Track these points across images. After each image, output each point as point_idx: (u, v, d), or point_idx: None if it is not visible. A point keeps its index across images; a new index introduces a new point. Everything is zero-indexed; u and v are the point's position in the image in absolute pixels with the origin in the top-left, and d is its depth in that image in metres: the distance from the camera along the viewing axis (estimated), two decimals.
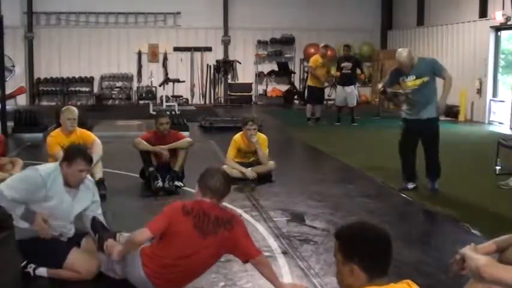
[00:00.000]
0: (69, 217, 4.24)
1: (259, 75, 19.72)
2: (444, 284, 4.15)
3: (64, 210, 4.18)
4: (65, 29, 18.79)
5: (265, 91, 19.79)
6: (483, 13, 14.58)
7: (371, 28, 19.73)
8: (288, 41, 19.62)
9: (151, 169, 7.01)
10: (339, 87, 14.07)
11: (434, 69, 6.94)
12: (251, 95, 19.35)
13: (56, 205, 4.12)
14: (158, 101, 17.96)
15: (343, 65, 13.79)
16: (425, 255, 4.82)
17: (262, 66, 19.81)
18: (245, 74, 19.47)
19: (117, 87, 19.23)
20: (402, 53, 6.85)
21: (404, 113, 7.08)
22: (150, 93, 18.41)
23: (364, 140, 11.55)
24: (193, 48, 19.34)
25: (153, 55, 19.20)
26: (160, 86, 17.30)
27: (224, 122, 13.21)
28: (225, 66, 19.10)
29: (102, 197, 6.14)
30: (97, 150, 6.51)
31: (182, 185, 7.01)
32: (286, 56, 19.72)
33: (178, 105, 16.18)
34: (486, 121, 14.45)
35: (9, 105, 14.80)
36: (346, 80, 13.73)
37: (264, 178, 7.56)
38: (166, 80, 17.11)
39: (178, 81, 17.30)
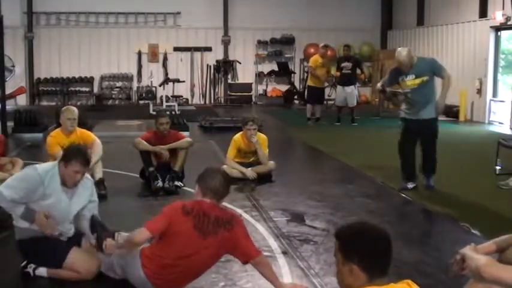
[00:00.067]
0: (68, 216, 4.24)
1: (259, 75, 19.73)
2: (444, 284, 4.14)
3: (62, 209, 4.18)
4: (65, 29, 18.80)
5: (265, 91, 19.79)
6: (483, 13, 14.58)
7: (371, 28, 19.74)
8: (288, 41, 19.62)
9: (151, 169, 7.01)
10: (339, 87, 14.07)
11: (433, 69, 6.97)
12: (251, 95, 19.36)
13: (54, 203, 4.12)
14: (158, 101, 17.96)
15: (343, 65, 13.79)
16: (425, 255, 4.82)
17: (262, 66, 19.81)
18: (245, 74, 19.47)
19: (117, 87, 19.23)
20: (402, 52, 6.87)
21: (403, 113, 7.09)
22: (150, 93, 18.41)
23: (364, 140, 11.55)
24: (193, 48, 19.34)
25: (153, 55, 19.21)
26: (160, 86, 17.31)
27: (224, 122, 13.21)
28: (225, 66, 19.11)
29: (102, 197, 6.17)
30: (97, 150, 6.51)
31: (182, 185, 7.00)
32: (286, 56, 19.73)
33: (178, 105, 16.18)
34: (486, 121, 14.45)
35: (9, 105, 14.80)
36: (346, 80, 13.73)
37: (264, 178, 7.56)
38: (166, 80, 17.12)
39: (178, 81, 17.30)
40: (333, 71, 14.44)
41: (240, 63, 19.18)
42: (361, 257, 2.16)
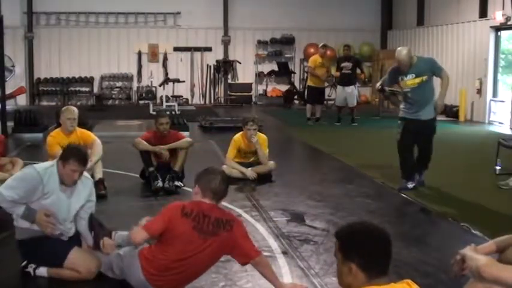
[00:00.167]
0: (68, 215, 4.23)
1: (259, 75, 19.72)
2: (444, 284, 4.14)
3: (62, 208, 4.18)
4: (65, 29, 18.80)
5: (265, 91, 19.78)
6: (483, 13, 14.58)
7: (371, 28, 19.73)
8: (288, 41, 19.62)
9: (151, 169, 7.01)
10: (339, 87, 14.07)
11: (433, 68, 7.03)
12: (251, 95, 19.35)
13: (54, 202, 4.13)
14: (158, 101, 17.97)
15: (343, 65, 13.79)
16: (425, 255, 4.82)
17: (262, 66, 19.81)
18: (245, 74, 19.47)
19: (117, 87, 19.23)
20: (402, 51, 6.91)
21: (403, 112, 7.12)
22: (150, 93, 18.41)
23: (364, 140, 11.55)
24: (193, 48, 19.34)
25: (153, 55, 19.21)
26: (160, 86, 17.31)
27: (224, 122, 13.22)
28: (225, 66, 19.11)
29: (102, 197, 6.18)
30: (97, 150, 6.51)
31: (182, 185, 7.00)
32: (286, 56, 19.73)
33: (178, 105, 16.18)
34: (486, 121, 14.45)
35: (9, 105, 14.81)
36: (346, 80, 13.72)
37: (264, 178, 7.56)
38: (166, 80, 17.12)
39: (178, 81, 17.31)
40: (333, 71, 14.44)
41: (240, 63, 19.19)
42: (360, 257, 2.16)
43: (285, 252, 4.82)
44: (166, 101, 16.41)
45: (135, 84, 19.23)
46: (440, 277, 4.25)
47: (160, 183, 6.82)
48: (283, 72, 19.00)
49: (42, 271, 4.24)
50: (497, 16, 13.69)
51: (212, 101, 19.57)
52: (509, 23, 13.53)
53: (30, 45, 18.51)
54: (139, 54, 19.06)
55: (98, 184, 6.23)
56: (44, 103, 18.60)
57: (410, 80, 6.90)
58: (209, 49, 19.40)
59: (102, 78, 19.06)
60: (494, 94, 14.52)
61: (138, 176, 7.40)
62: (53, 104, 18.08)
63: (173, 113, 14.69)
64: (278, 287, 3.83)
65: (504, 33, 14.45)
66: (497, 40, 14.41)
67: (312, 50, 17.70)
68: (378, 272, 2.16)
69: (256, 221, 5.70)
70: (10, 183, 4.14)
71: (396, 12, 19.72)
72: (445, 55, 15.95)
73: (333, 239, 2.32)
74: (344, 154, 9.55)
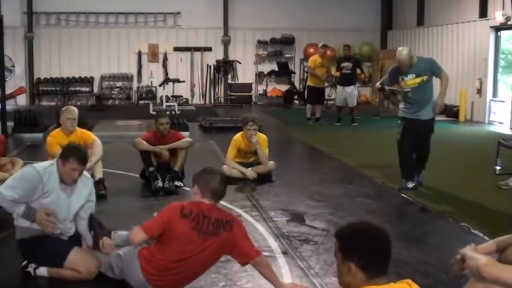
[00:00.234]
0: (68, 214, 4.23)
1: (259, 75, 19.72)
2: (444, 284, 4.15)
3: (62, 207, 4.18)
4: (65, 29, 18.80)
5: (265, 91, 19.78)
6: (483, 13, 14.58)
7: (371, 28, 19.73)
8: (288, 41, 19.62)
9: (151, 169, 7.01)
10: (339, 87, 14.07)
11: (433, 69, 7.08)
12: (251, 95, 19.35)
13: (54, 201, 4.13)
14: (158, 101, 17.97)
15: (343, 65, 13.78)
16: (425, 255, 4.82)
17: (262, 66, 19.81)
18: (245, 74, 19.47)
19: (117, 87, 19.23)
20: (403, 51, 6.95)
21: (402, 112, 7.16)
22: (150, 93, 18.41)
23: (364, 140, 11.55)
24: (193, 48, 19.34)
25: (153, 55, 19.21)
26: (160, 86, 17.31)
27: (224, 122, 13.22)
28: (225, 66, 19.11)
29: (102, 197, 6.18)
30: (97, 150, 6.51)
31: (182, 185, 7.00)
32: (286, 56, 19.72)
33: (178, 105, 16.18)
34: (486, 121, 14.45)
35: (9, 105, 14.80)
36: (346, 80, 13.72)
37: (264, 178, 7.56)
38: (166, 80, 17.12)
39: (178, 81, 17.30)
40: (333, 71, 14.44)
41: (240, 63, 19.18)
42: (360, 257, 2.17)
43: (285, 252, 4.82)
44: (166, 101, 16.41)
45: (135, 84, 19.23)
46: (440, 277, 4.25)
47: (160, 183, 6.83)
48: (283, 72, 19.00)
49: (43, 271, 4.24)
50: (497, 16, 13.69)
51: (212, 101, 19.56)
52: (509, 23, 13.53)
53: (30, 45, 18.51)
54: (139, 54, 19.06)
55: (98, 184, 6.23)
56: (44, 103, 18.60)
57: (410, 80, 6.93)
58: (209, 49, 19.40)
59: (102, 78, 19.06)
60: (494, 94, 14.52)
61: (138, 176, 7.40)
62: (53, 104, 18.08)
63: (173, 113, 14.69)
64: (278, 287, 3.83)
65: (504, 33, 14.45)
66: (497, 40, 14.41)
67: (312, 50, 17.69)
68: (377, 272, 2.17)
69: (256, 221, 5.70)
70: (10, 183, 4.14)
71: (396, 12, 19.72)
72: (445, 55, 15.95)
73: (333, 239, 2.32)
74: (344, 154, 9.55)
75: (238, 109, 17.25)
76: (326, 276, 4.28)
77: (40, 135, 10.97)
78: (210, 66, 19.37)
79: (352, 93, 13.78)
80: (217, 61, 19.21)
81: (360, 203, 6.57)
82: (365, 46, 19.45)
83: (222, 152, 8.74)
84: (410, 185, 7.10)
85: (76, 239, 4.33)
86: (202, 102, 19.47)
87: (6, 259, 4.55)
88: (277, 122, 14.38)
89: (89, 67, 18.87)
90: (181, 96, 18.17)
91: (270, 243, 5.04)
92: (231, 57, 19.33)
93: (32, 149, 10.08)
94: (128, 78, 19.15)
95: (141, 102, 18.46)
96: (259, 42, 19.61)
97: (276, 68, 19.18)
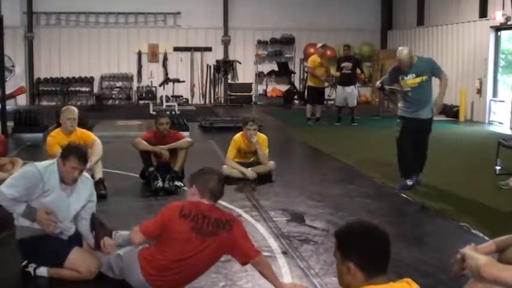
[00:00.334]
0: (67, 214, 4.23)
1: (259, 75, 19.72)
2: (444, 284, 4.15)
3: (62, 207, 4.18)
4: (65, 29, 18.80)
5: (265, 91, 19.78)
6: (483, 13, 14.58)
7: (371, 28, 19.73)
8: (288, 41, 19.62)
9: (151, 169, 7.01)
10: (339, 88, 14.06)
11: (433, 68, 7.15)
12: (251, 95, 19.35)
13: (54, 200, 4.13)
14: (158, 101, 17.97)
15: (343, 65, 13.78)
16: (425, 255, 4.82)
17: (262, 66, 19.81)
18: (245, 74, 19.47)
19: (117, 87, 19.23)
20: (403, 51, 6.99)
21: (401, 111, 7.21)
22: (150, 93, 18.41)
23: (364, 140, 11.54)
24: (193, 48, 19.34)
25: (153, 55, 19.21)
26: (160, 86, 17.31)
27: (224, 122, 13.22)
28: (225, 66, 19.11)
29: (102, 197, 6.18)
30: (97, 150, 6.52)
31: (182, 185, 7.00)
32: (286, 56, 19.72)
33: (178, 105, 16.18)
34: (486, 121, 14.45)
35: (9, 105, 14.80)
36: (346, 80, 13.72)
37: (264, 178, 7.56)
38: (166, 80, 17.12)
39: (178, 81, 17.30)
40: (333, 71, 14.43)
41: (240, 63, 19.18)
42: (359, 256, 2.17)
43: (285, 252, 4.82)
44: (166, 101, 16.41)
45: (135, 84, 19.23)
46: (440, 277, 4.25)
47: (160, 183, 6.83)
48: (283, 72, 19.00)
49: (43, 271, 4.24)
50: (497, 16, 13.69)
51: (212, 101, 19.56)
52: (509, 23, 13.53)
53: (30, 45, 18.50)
54: (139, 54, 19.06)
55: (98, 184, 6.23)
56: (44, 103, 18.60)
57: (410, 80, 6.98)
58: (209, 49, 19.40)
59: (102, 78, 19.06)
60: (494, 94, 14.52)
61: (138, 176, 7.40)
62: (53, 104, 18.08)
63: (173, 113, 14.69)
64: (278, 287, 3.83)
65: (504, 33, 14.45)
66: (497, 40, 14.41)
67: (311, 50, 17.67)
68: (376, 272, 2.17)
69: (256, 221, 5.70)
70: (11, 182, 4.14)
71: (396, 12, 19.72)
72: (445, 55, 15.95)
73: (332, 239, 2.33)
74: (344, 154, 9.55)
75: (238, 109, 17.25)
76: (326, 276, 4.29)
77: (40, 135, 10.97)
78: (210, 66, 19.37)
79: (352, 93, 13.78)
80: (217, 61, 19.21)
81: (360, 203, 6.57)
82: (365, 46, 19.45)
83: (222, 152, 8.74)
84: (409, 182, 7.15)
85: (76, 239, 4.33)
86: (202, 102, 19.47)
87: (6, 259, 4.55)
88: (277, 122, 14.38)
89: (89, 67, 18.87)
90: (181, 96, 18.17)
91: (270, 243, 5.04)
92: (231, 57, 19.33)
93: (32, 149, 10.07)
94: (128, 78, 19.15)
95: (141, 102, 18.46)
96: (259, 42, 19.60)
97: (276, 68, 19.18)
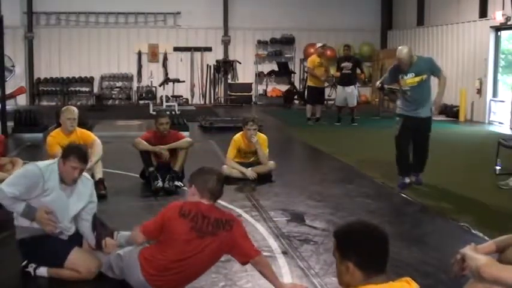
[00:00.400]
0: (67, 214, 4.23)
1: (259, 75, 19.72)
2: (444, 284, 4.15)
3: (61, 207, 4.18)
4: (65, 29, 18.80)
5: (265, 91, 19.78)
6: (483, 13, 14.58)
7: (371, 28, 19.73)
8: (288, 41, 19.62)
9: (151, 169, 7.01)
10: (339, 88, 14.07)
11: (432, 68, 7.21)
12: (251, 95, 19.35)
13: (54, 200, 4.13)
14: (158, 101, 17.97)
15: (343, 65, 13.79)
16: (425, 255, 4.82)
17: (262, 66, 19.81)
18: (245, 74, 19.47)
19: (117, 87, 19.23)
20: (403, 50, 7.03)
21: (400, 109, 7.25)
22: (150, 93, 18.41)
23: (364, 140, 11.55)
24: (193, 48, 19.34)
25: (153, 55, 19.21)
26: (160, 86, 17.31)
27: (224, 122, 13.22)
28: (225, 66, 19.11)
29: (102, 197, 6.18)
30: (97, 150, 6.52)
31: (182, 185, 6.99)
32: (286, 56, 19.73)
33: (178, 105, 16.18)
34: (486, 121, 14.45)
35: (9, 105, 14.80)
36: (347, 80, 13.72)
37: (264, 178, 7.56)
38: (166, 80, 17.12)
39: (178, 81, 17.31)
40: (333, 71, 14.44)
41: (240, 63, 19.19)
42: (357, 255, 2.18)
43: (285, 252, 4.82)
44: (166, 101, 16.41)
45: (135, 84, 19.23)
46: (440, 277, 4.25)
47: (160, 183, 6.82)
48: (283, 72, 19.00)
49: (43, 271, 4.24)
50: (497, 16, 13.69)
51: (212, 101, 19.57)
52: (509, 23, 13.53)
53: (30, 45, 18.51)
54: (139, 54, 19.06)
55: (98, 184, 6.23)
56: (44, 103, 18.60)
57: (410, 79, 7.02)
58: (209, 49, 19.41)
59: (102, 78, 19.06)
60: (494, 94, 14.52)
61: (138, 176, 7.40)
62: (53, 104, 18.09)
63: (173, 113, 14.69)
64: (278, 287, 3.83)
65: (504, 33, 14.45)
66: (497, 40, 14.41)
67: (311, 50, 17.68)
68: (375, 271, 2.18)
69: (256, 221, 5.70)
70: (11, 180, 4.15)
71: (396, 12, 19.72)
72: (445, 55, 15.96)
73: (333, 239, 2.33)
74: (344, 154, 9.55)
75: (238, 109, 17.25)
76: (326, 276, 4.29)
77: (40, 135, 10.97)
78: (210, 66, 19.37)
79: (352, 93, 13.78)
80: (217, 61, 19.21)
81: (360, 203, 6.57)
82: (365, 46, 19.45)
83: (222, 152, 8.74)
84: (407, 180, 7.20)
85: (76, 239, 4.33)
86: (202, 102, 19.47)
87: (6, 259, 4.55)
88: (277, 122, 14.38)
89: (89, 67, 18.87)
90: (181, 96, 18.18)
91: (270, 243, 5.04)
92: (231, 57, 19.33)
93: (32, 149, 10.07)
94: (128, 78, 19.15)
95: (141, 102, 18.47)
96: (259, 42, 19.61)
97: (276, 68, 19.18)
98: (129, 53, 19.11)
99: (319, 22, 19.08)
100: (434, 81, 7.25)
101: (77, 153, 4.16)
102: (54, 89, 18.76)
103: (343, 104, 13.87)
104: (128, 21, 19.09)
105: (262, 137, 7.78)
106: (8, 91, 14.89)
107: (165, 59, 19.16)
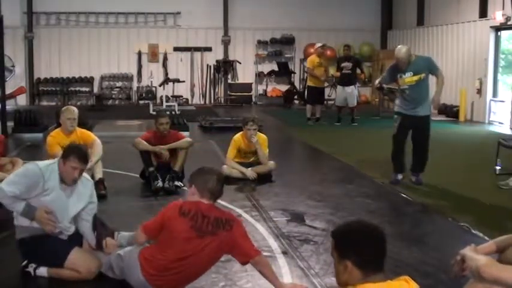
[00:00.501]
0: (66, 214, 4.23)
1: (259, 75, 19.72)
2: (444, 284, 4.15)
3: (61, 207, 4.18)
4: (65, 29, 18.80)
5: (265, 91, 19.78)
6: (483, 13, 14.58)
7: (371, 28, 19.74)
8: (288, 41, 19.62)
9: (151, 169, 7.01)
10: (339, 88, 14.07)
11: (430, 67, 7.28)
12: (251, 95, 19.35)
13: (53, 200, 4.13)
14: (158, 101, 17.97)
15: (343, 65, 13.79)
16: (425, 255, 4.82)
17: (262, 66, 19.81)
18: (245, 74, 19.47)
19: (117, 87, 19.23)
20: (401, 49, 7.09)
21: (399, 108, 7.30)
22: (150, 93, 18.41)
23: (364, 140, 11.54)
24: (193, 48, 19.34)
25: (153, 55, 19.21)
26: (160, 86, 17.31)
27: (224, 122, 13.22)
28: (225, 66, 19.11)
29: (102, 197, 6.18)
30: (97, 150, 6.52)
31: (182, 185, 6.99)
32: (286, 56, 19.73)
33: (178, 105, 16.18)
34: (486, 121, 14.45)
35: (9, 105, 14.80)
36: (346, 80, 13.72)
37: (264, 178, 7.56)
38: (166, 80, 17.12)
39: (178, 81, 17.31)
40: (333, 71, 14.44)
41: (240, 63, 19.19)
42: (355, 255, 2.20)
43: (285, 252, 4.82)
44: (166, 101, 16.41)
45: (135, 84, 19.23)
46: (440, 277, 4.25)
47: (160, 183, 6.83)
48: (283, 72, 19.00)
49: (42, 271, 4.24)
50: (497, 16, 13.69)
51: (212, 101, 19.57)
52: (509, 23, 13.53)
53: (30, 45, 18.51)
54: (139, 54, 19.06)
55: (98, 184, 6.23)
56: (44, 103, 18.60)
57: (408, 78, 7.08)
58: (209, 49, 19.41)
59: (102, 78, 19.06)
60: (494, 94, 14.52)
61: (138, 176, 7.40)
62: (53, 104, 18.08)
63: (173, 113, 14.69)
64: (278, 287, 3.83)
65: (504, 33, 14.45)
66: (497, 40, 14.41)
67: (311, 50, 17.67)
68: (373, 269, 2.20)
69: (256, 221, 5.70)
70: (12, 179, 4.15)
71: (396, 12, 19.72)
72: (445, 55, 15.96)
73: (330, 238, 2.34)
74: (344, 154, 9.55)
75: (238, 109, 17.25)
76: (326, 276, 4.29)
77: (40, 135, 10.97)
78: (210, 66, 19.37)
79: (352, 93, 13.78)
80: (217, 61, 19.21)
81: (360, 203, 6.57)
82: (365, 46, 19.45)
83: (222, 152, 8.74)
84: (399, 176, 7.31)
85: (76, 239, 4.33)
86: (202, 102, 19.47)
87: (6, 259, 4.55)
88: (277, 122, 14.38)
89: (89, 67, 18.87)
90: (181, 96, 18.17)
91: (270, 243, 5.04)
92: (231, 57, 19.33)
93: (32, 149, 10.07)
94: (128, 78, 19.15)
95: (141, 102, 18.46)
96: (259, 42, 19.61)
97: (276, 68, 19.18)
98: (129, 53, 19.10)
99: (319, 22, 19.08)
100: (432, 80, 7.29)
101: (77, 153, 4.16)
102: (54, 89, 18.76)
103: (343, 104, 13.87)
104: (128, 21, 19.09)
105: (262, 137, 7.79)
106: (8, 91, 14.89)
107: (165, 59, 19.16)
